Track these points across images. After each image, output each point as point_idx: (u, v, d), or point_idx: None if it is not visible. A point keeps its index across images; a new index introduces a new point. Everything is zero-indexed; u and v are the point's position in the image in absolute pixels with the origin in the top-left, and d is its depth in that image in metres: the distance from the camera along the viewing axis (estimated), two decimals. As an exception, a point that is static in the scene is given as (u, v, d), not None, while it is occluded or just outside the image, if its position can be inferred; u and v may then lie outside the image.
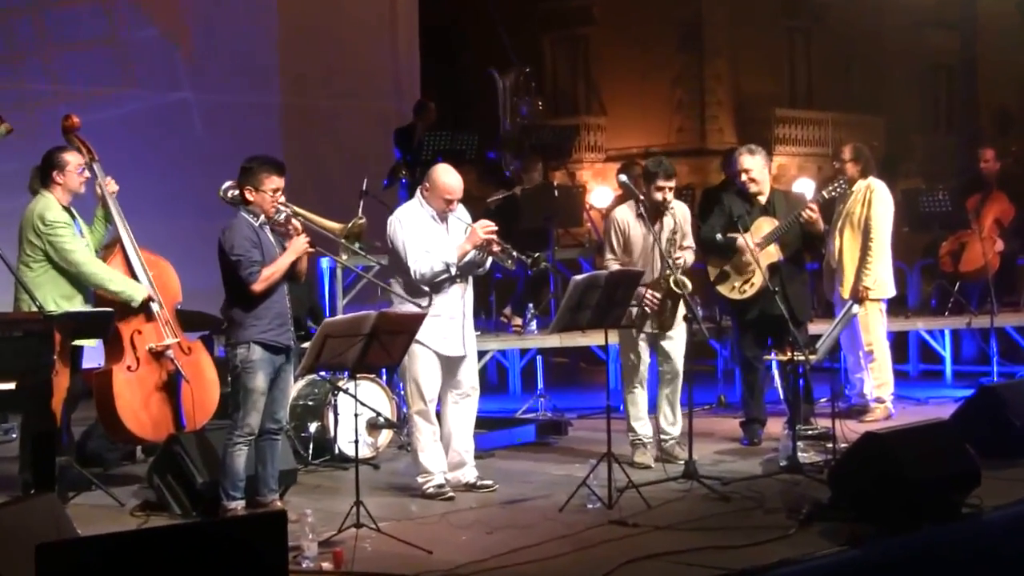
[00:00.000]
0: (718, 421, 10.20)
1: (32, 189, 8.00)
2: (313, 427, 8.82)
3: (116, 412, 7.73)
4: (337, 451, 8.71)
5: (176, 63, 13.59)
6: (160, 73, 13.45)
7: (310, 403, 8.96)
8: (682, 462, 7.92)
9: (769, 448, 8.79)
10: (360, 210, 8.85)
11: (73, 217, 7.96)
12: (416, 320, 7.06)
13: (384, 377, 9.54)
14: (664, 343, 8.49)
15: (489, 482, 7.87)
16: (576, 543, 6.46)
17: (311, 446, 8.78)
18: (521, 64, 14.68)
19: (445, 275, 7.59)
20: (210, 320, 9.32)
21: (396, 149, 12.83)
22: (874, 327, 9.99)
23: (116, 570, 4.38)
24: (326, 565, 6.07)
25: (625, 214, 8.54)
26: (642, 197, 8.38)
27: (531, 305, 11.62)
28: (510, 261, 7.74)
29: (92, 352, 8.08)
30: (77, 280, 7.83)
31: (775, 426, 9.08)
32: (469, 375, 7.86)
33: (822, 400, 9.86)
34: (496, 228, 7.68)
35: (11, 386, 6.40)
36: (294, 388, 8.22)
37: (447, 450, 7.82)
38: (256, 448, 7.03)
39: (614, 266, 8.34)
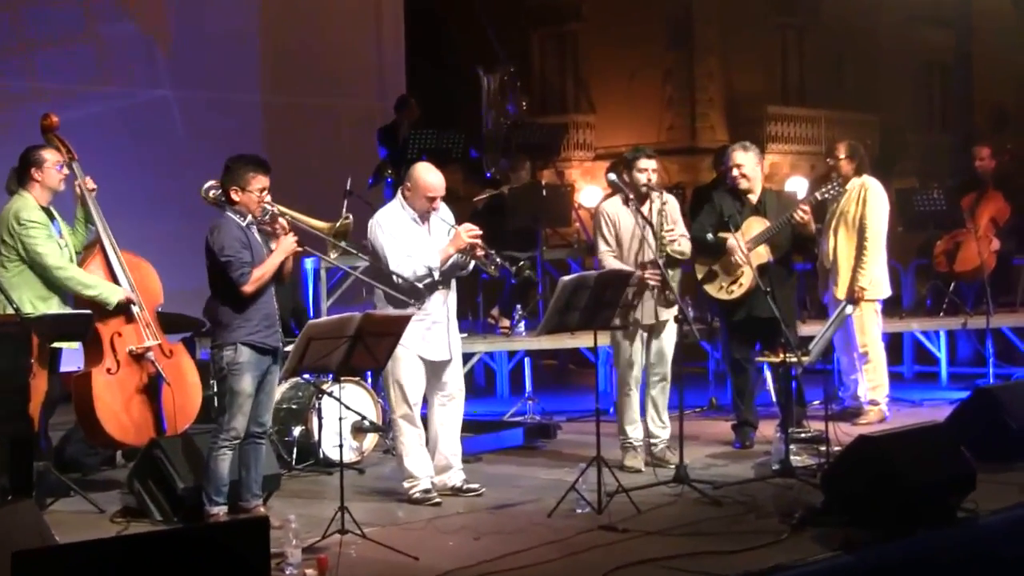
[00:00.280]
0: (709, 424, 10.16)
1: (9, 189, 7.97)
2: (297, 431, 8.77)
3: (95, 416, 7.69)
4: (321, 455, 8.66)
5: (155, 59, 13.49)
6: (139, 70, 13.34)
7: (294, 407, 8.91)
8: (673, 466, 7.87)
9: (761, 452, 8.76)
10: (344, 209, 8.80)
11: (52, 218, 7.92)
12: (402, 322, 7.01)
13: (369, 380, 9.50)
14: (655, 344, 8.44)
15: (476, 486, 7.83)
16: (565, 549, 6.42)
17: (295, 450, 8.73)
18: (507, 62, 14.62)
19: (428, 280, 7.52)
20: (192, 322, 9.32)
21: (381, 148, 12.75)
22: (869, 328, 9.94)
23: (96, 578, 4.35)
24: (310, 572, 6.01)
25: (614, 206, 8.51)
26: (632, 196, 8.32)
27: (519, 306, 11.59)
28: (493, 267, 7.69)
29: (71, 355, 8.03)
30: (53, 282, 7.76)
31: (767, 429, 9.04)
32: (455, 378, 7.82)
33: (815, 402, 9.77)
34: (480, 232, 7.61)
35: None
36: (277, 391, 8.14)
37: (433, 454, 7.77)
38: (239, 452, 7.00)
39: (610, 257, 8.35)
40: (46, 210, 7.85)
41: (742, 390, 9.22)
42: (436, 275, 7.52)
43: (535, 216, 11.87)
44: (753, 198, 9.02)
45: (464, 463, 8.00)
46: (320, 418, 8.59)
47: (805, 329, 9.55)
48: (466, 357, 9.09)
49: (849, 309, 8.78)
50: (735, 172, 9.01)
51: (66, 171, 7.95)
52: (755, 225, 8.91)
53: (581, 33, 27.37)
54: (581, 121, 26.87)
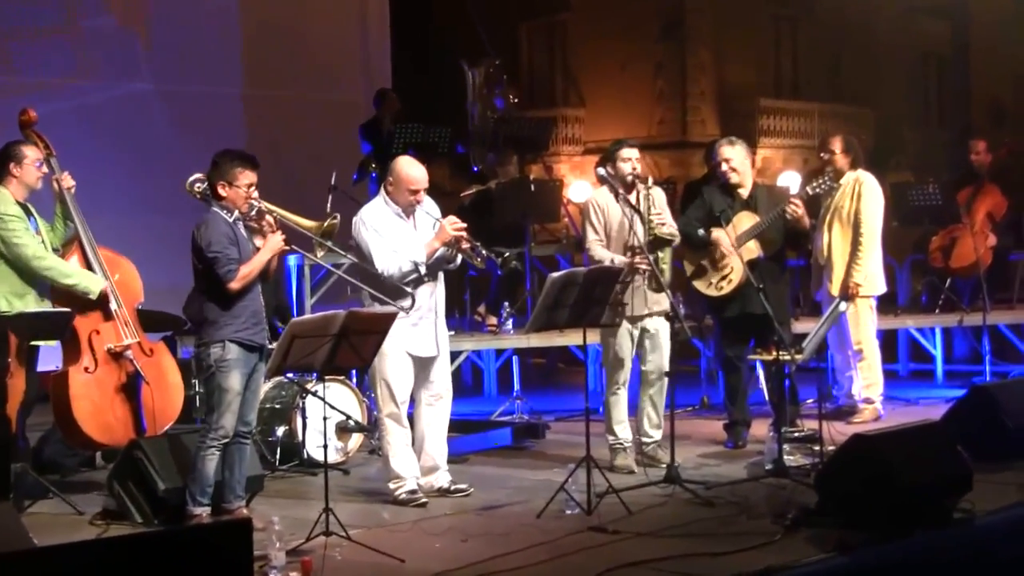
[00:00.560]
0: (701, 423, 10.15)
1: (-15, 184, 7.91)
2: (280, 431, 8.73)
3: (73, 416, 7.63)
4: (305, 456, 8.64)
5: (136, 52, 13.38)
6: (119, 63, 13.22)
7: (277, 406, 8.87)
8: (664, 466, 7.84)
9: (754, 451, 8.75)
10: (329, 206, 8.74)
11: (29, 214, 7.88)
12: (387, 319, 6.98)
13: (354, 379, 9.46)
14: (648, 342, 8.40)
15: (463, 486, 7.81)
16: (554, 551, 6.39)
17: (278, 451, 8.69)
18: (494, 55, 14.53)
19: (414, 275, 7.49)
20: (174, 320, 9.22)
21: (364, 144, 12.67)
22: (864, 325, 9.91)
23: (75, 581, 4.34)
24: (294, 575, 5.98)
25: (602, 196, 8.49)
26: (620, 190, 8.28)
27: (507, 303, 11.54)
28: (479, 260, 7.69)
29: (49, 354, 7.96)
30: (30, 276, 7.71)
31: (760, 428, 9.03)
32: (442, 376, 7.78)
33: (809, 401, 9.83)
34: (465, 225, 7.61)
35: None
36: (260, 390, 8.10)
37: (420, 454, 7.75)
38: (223, 452, 6.95)
39: (598, 247, 8.35)
40: (23, 206, 7.80)
41: (735, 389, 9.20)
42: (422, 270, 7.50)
43: (523, 212, 11.82)
44: (744, 193, 9.01)
45: (451, 463, 7.99)
46: (304, 418, 8.64)
47: (798, 326, 9.51)
48: (453, 356, 9.06)
49: (843, 306, 8.73)
50: (724, 166, 9.00)
51: (44, 169, 7.90)
52: (746, 220, 8.89)
53: (570, 24, 27.29)
54: (570, 115, 26.80)
